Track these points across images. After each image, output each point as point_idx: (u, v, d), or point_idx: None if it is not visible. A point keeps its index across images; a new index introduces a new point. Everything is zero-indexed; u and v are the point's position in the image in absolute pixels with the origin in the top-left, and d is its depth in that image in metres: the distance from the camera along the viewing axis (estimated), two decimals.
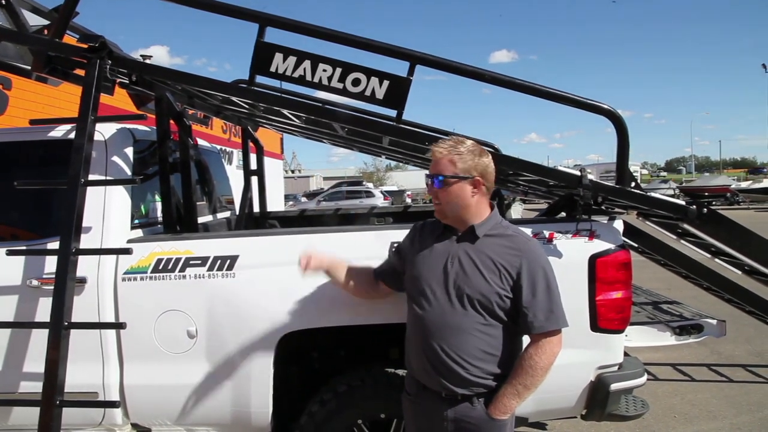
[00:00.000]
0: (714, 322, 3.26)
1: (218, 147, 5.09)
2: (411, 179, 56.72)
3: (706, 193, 31.13)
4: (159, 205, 3.20)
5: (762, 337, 6.21)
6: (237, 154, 14.12)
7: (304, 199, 34.62)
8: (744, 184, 33.92)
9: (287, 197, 30.41)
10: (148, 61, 10.34)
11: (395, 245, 2.50)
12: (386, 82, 2.64)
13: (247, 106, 3.63)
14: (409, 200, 37.17)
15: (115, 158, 2.96)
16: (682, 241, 3.48)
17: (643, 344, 3.24)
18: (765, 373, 5.44)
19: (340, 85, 2.65)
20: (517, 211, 5.13)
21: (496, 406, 2.13)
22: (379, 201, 29.61)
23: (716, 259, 3.50)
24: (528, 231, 2.72)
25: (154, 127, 3.08)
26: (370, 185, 39.39)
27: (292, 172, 61.36)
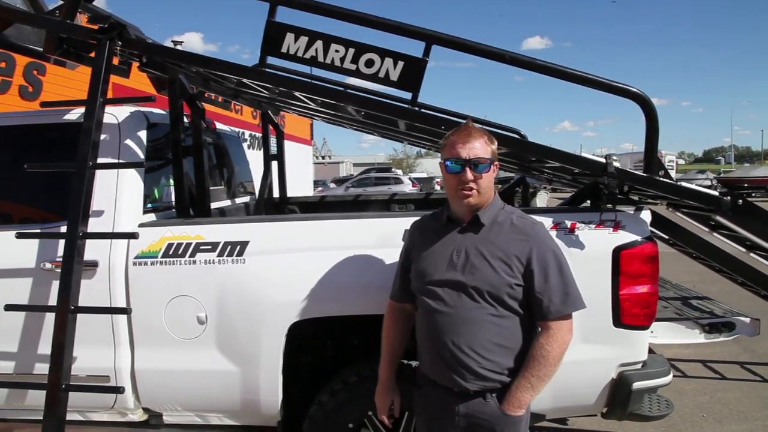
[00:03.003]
0: (747, 320, 3.08)
1: (245, 132, 5.05)
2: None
3: (746, 185, 30.04)
4: (173, 189, 3.17)
5: None
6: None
7: (333, 185, 34.64)
8: None
9: (317, 183, 30.53)
10: (178, 47, 10.39)
11: (399, 260, 2.38)
12: (401, 63, 2.53)
13: (264, 90, 3.57)
14: (438, 187, 36.86)
15: (128, 141, 2.93)
16: (715, 234, 3.30)
17: (670, 342, 3.09)
18: None
19: (352, 66, 2.56)
20: (542, 199, 4.97)
21: (510, 401, 2.05)
22: (407, 188, 29.44)
23: (752, 254, 3.31)
24: (549, 220, 2.63)
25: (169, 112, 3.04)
26: (399, 172, 39.23)
27: (322, 158, 61.60)
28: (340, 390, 2.73)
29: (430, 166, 59.57)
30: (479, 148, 2.08)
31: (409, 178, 33.10)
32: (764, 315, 3.42)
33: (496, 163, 2.14)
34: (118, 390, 2.60)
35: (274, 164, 4.87)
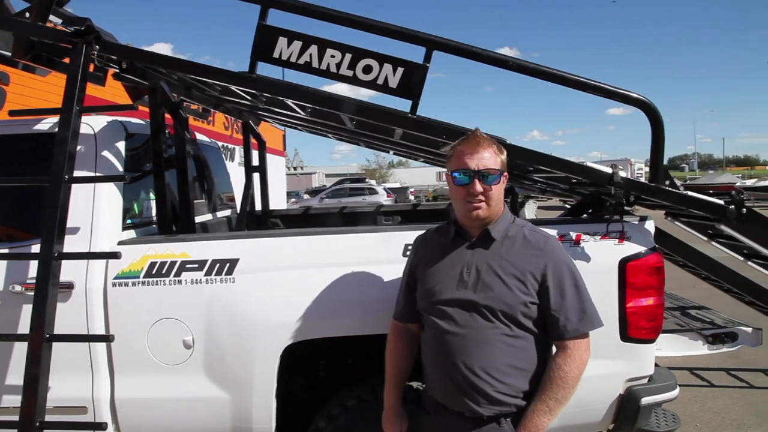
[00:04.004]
0: (749, 330, 3.04)
1: (219, 143, 4.87)
2: (414, 176, 56.52)
3: (711, 191, 30.78)
4: (154, 204, 2.98)
5: None
6: (239, 151, 13.92)
7: (306, 197, 34.40)
8: (749, 182, 33.59)
9: (289, 194, 30.25)
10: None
11: (403, 278, 2.25)
12: (400, 70, 2.41)
13: (248, 98, 3.41)
14: (412, 197, 36.96)
15: (106, 153, 2.74)
16: (713, 243, 3.26)
17: (674, 354, 3.03)
18: None
19: (349, 73, 2.42)
20: (530, 209, 4.90)
21: (527, 427, 1.92)
22: (382, 198, 29.39)
23: (749, 262, 3.27)
24: (553, 232, 2.53)
25: (149, 120, 2.86)
26: (373, 182, 39.18)
27: (294, 169, 61.19)
28: (339, 414, 2.57)
29: (404, 176, 59.80)
30: (488, 158, 1.97)
31: (384, 189, 33.03)
32: (749, 321, 3.38)
33: (506, 174, 2.03)
34: (100, 426, 2.38)
35: (256, 176, 4.70)
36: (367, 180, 41.90)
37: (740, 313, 3.98)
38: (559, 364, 1.94)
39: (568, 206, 5.09)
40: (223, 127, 16.84)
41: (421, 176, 55.37)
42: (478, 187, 1.95)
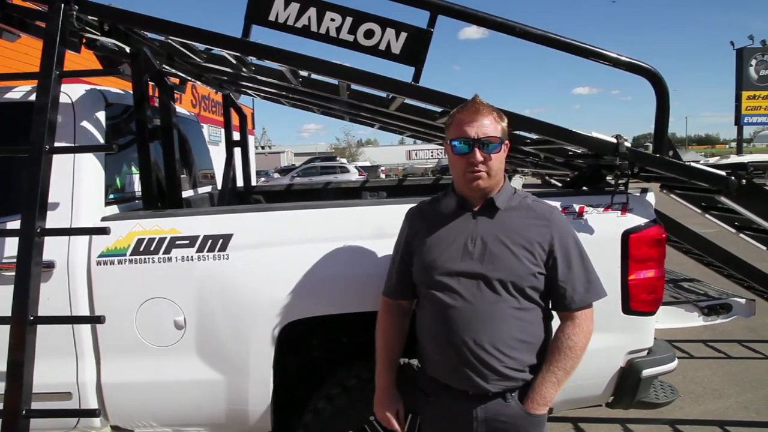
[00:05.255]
0: (743, 301, 3.06)
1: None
2: (384, 155, 56.44)
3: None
4: (137, 178, 2.82)
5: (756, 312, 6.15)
6: (208, 129, 13.57)
7: (276, 175, 33.98)
8: (712, 160, 34.51)
9: (259, 173, 29.87)
10: None
11: (396, 253, 2.15)
12: (404, 35, 2.28)
13: (233, 68, 3.24)
14: (383, 176, 36.87)
15: (85, 123, 2.56)
16: (707, 215, 3.26)
17: (670, 326, 3.03)
18: (761, 348, 5.37)
19: (350, 38, 2.29)
20: (517, 182, 4.86)
21: (534, 399, 1.89)
22: (353, 176, 29.19)
23: (741, 234, 3.29)
24: (556, 204, 2.48)
25: (130, 91, 2.69)
26: (344, 161, 38.92)
27: (263, 148, 60.36)
28: (339, 394, 2.49)
29: (373, 154, 59.63)
30: (489, 125, 1.88)
31: (356, 167, 32.85)
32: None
33: (507, 142, 1.95)
34: (91, 413, 2.24)
35: (237, 151, 4.52)
36: (337, 159, 41.60)
37: (725, 286, 4.05)
38: (568, 335, 1.90)
39: (554, 182, 5.09)
40: (190, 105, 16.37)
41: (391, 155, 55.32)
42: (479, 156, 1.87)
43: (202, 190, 4.07)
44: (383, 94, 3.09)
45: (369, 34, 2.30)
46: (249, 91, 4.34)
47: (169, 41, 2.85)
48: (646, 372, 2.54)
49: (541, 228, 1.91)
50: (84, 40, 2.94)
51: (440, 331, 1.93)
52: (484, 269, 1.87)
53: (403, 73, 2.41)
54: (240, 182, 4.66)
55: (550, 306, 1.99)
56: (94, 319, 2.27)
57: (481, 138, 1.86)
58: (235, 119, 4.50)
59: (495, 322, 1.86)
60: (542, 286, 1.90)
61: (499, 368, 1.86)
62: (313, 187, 4.86)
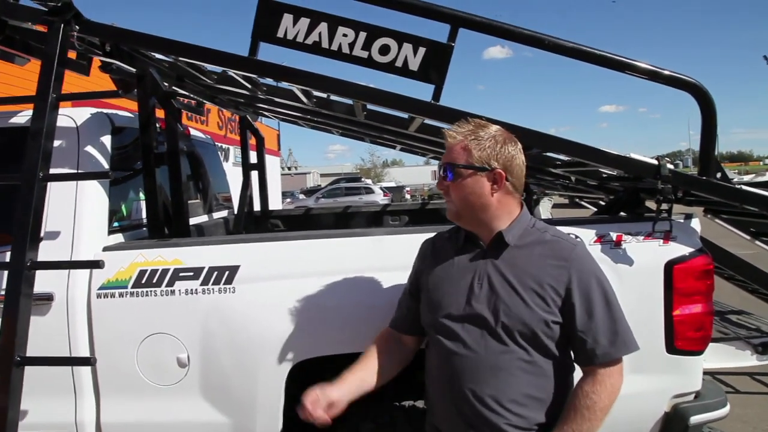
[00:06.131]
0: None
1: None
2: (409, 175, 56.36)
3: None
4: (143, 205, 2.70)
5: None
6: (234, 151, 13.61)
7: (302, 196, 34.20)
8: (746, 178, 33.63)
9: (284, 194, 30.07)
10: None
11: (407, 284, 1.98)
12: (422, 50, 2.12)
13: (247, 90, 3.12)
14: (408, 197, 36.78)
15: (89, 148, 2.46)
16: (758, 242, 3.00)
17: (721, 366, 2.76)
18: None
19: (364, 54, 2.13)
20: (545, 208, 4.63)
21: None
22: (378, 197, 29.22)
23: None
24: (591, 232, 2.28)
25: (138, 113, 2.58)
26: (369, 182, 38.98)
27: (289, 169, 61.00)
28: None
29: (398, 174, 59.65)
30: (454, 151, 1.73)
31: (380, 188, 32.83)
32: None
33: (489, 171, 1.69)
34: None
35: (254, 174, 4.40)
36: (362, 179, 41.71)
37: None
38: (587, 392, 1.65)
39: (584, 204, 4.85)
40: (216, 127, 16.52)
41: (416, 175, 55.23)
42: (440, 184, 1.77)
43: (217, 214, 3.95)
44: (403, 115, 2.93)
45: (384, 49, 2.13)
46: (265, 112, 4.23)
47: (178, 62, 2.75)
48: (694, 419, 2.28)
49: (557, 269, 1.68)
50: (100, 63, 2.87)
51: (442, 379, 1.75)
52: (490, 314, 1.67)
53: (423, 91, 2.27)
54: (257, 206, 4.52)
55: (573, 357, 1.76)
56: (84, 361, 2.12)
57: (443, 163, 1.77)
58: (252, 141, 4.39)
59: (501, 374, 1.65)
60: (557, 336, 1.67)
61: (502, 426, 1.65)
62: (333, 211, 4.70)
